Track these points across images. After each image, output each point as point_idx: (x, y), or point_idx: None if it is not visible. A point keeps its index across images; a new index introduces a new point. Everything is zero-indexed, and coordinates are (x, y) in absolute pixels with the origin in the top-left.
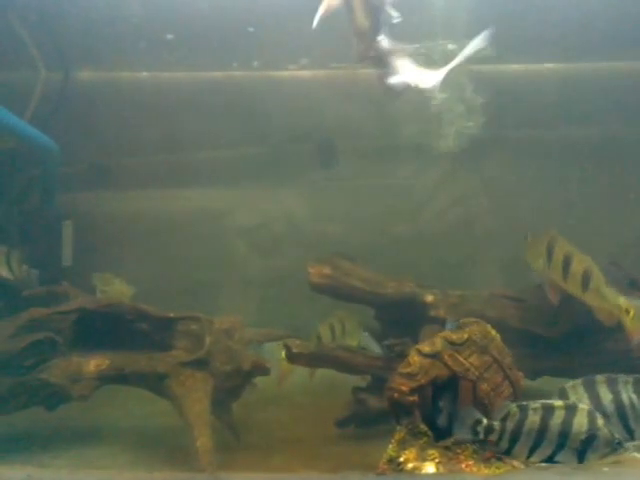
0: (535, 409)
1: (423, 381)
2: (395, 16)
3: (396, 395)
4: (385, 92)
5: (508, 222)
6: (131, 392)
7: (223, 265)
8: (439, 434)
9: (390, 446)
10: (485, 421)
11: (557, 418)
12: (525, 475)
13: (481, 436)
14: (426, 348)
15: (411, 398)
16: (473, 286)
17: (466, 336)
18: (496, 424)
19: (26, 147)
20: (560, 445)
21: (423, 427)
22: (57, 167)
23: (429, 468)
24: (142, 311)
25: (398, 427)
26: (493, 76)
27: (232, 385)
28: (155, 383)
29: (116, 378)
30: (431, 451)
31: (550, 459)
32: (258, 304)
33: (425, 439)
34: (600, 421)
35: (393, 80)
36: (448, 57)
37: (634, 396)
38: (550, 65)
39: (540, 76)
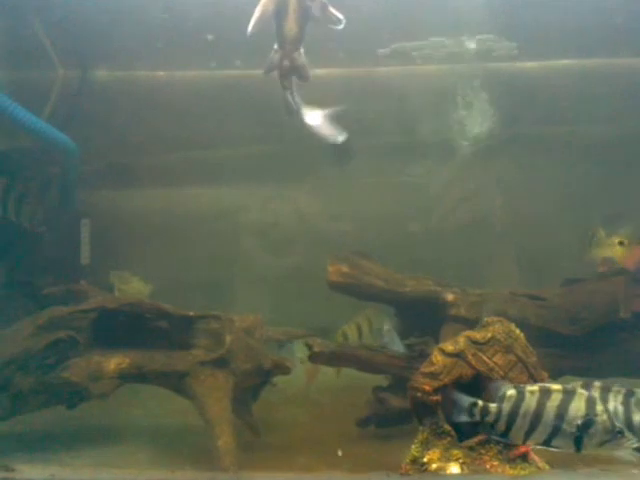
0: (532, 392)
1: (446, 380)
2: (341, 21)
3: (419, 395)
4: (284, 105)
5: (525, 220)
6: (151, 391)
7: (240, 263)
8: (463, 434)
9: (413, 446)
10: (481, 403)
11: (554, 401)
12: (551, 476)
13: (477, 418)
14: (449, 347)
15: (434, 398)
16: (489, 284)
17: (490, 335)
18: (492, 406)
19: (45, 146)
20: (556, 429)
21: (447, 427)
22: (76, 166)
23: (453, 469)
24: (162, 310)
25: (421, 427)
26: (509, 74)
27: (253, 384)
28: (175, 382)
29: (136, 377)
30: (455, 451)
31: (546, 443)
32: (274, 302)
33: (449, 439)
34: (599, 407)
35: (292, 98)
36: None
37: (620, 407)
38: (567, 61)
39: (556, 73)
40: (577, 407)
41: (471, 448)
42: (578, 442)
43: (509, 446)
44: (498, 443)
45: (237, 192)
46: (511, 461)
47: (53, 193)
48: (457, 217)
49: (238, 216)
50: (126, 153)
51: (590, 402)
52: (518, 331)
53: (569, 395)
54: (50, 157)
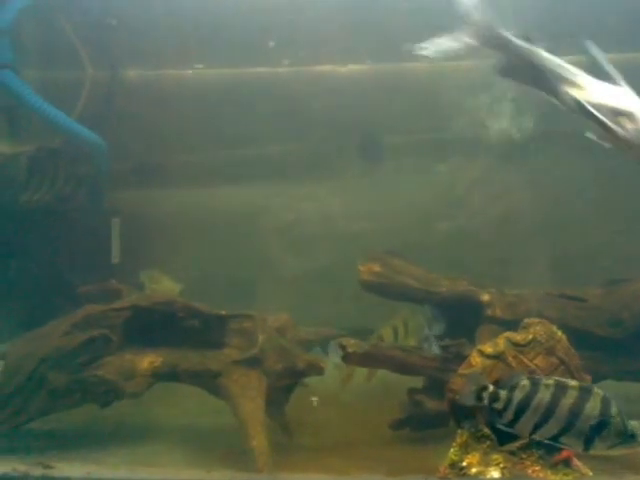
0: (547, 385)
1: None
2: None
3: (457, 397)
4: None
5: (558, 218)
6: (185, 390)
7: (268, 262)
8: (503, 438)
9: (452, 450)
10: (491, 388)
11: (568, 398)
12: None
13: (485, 402)
14: (488, 349)
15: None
16: (523, 285)
17: (531, 337)
18: (502, 393)
19: (76, 145)
20: (567, 427)
21: (486, 431)
22: (106, 165)
23: (494, 473)
24: (194, 309)
25: (460, 430)
26: None
27: (285, 384)
28: (208, 381)
29: (169, 375)
30: (495, 456)
31: (555, 439)
32: (303, 302)
33: (488, 443)
34: (614, 409)
35: None
36: None
37: None
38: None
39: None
40: (592, 407)
41: (512, 452)
42: (588, 442)
43: (551, 451)
44: (539, 448)
45: (266, 191)
46: (553, 466)
47: (83, 192)
48: (488, 215)
49: (267, 215)
50: (156, 152)
51: (605, 403)
52: (560, 333)
53: (585, 393)
54: (81, 156)
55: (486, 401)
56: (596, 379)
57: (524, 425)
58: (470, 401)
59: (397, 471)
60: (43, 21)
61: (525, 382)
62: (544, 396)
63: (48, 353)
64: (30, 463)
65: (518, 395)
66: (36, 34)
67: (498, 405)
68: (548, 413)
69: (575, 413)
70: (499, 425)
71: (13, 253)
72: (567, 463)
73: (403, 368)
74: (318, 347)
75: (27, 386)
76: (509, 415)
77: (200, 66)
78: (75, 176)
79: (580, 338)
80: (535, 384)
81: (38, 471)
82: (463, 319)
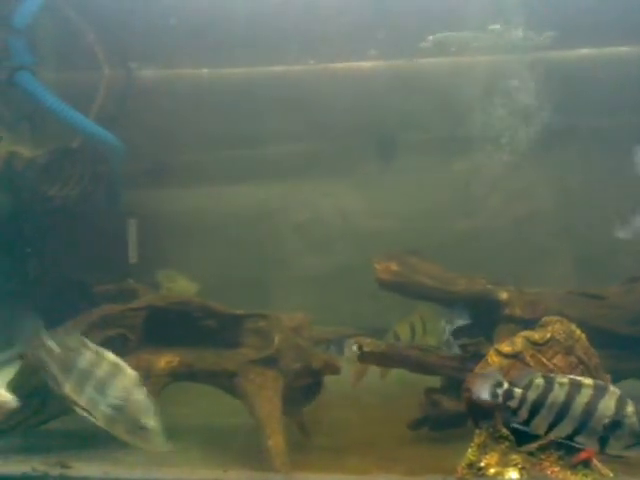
0: (562, 384)
1: None
2: None
3: (474, 397)
4: None
5: (581, 216)
6: (200, 389)
7: (284, 261)
8: (521, 438)
9: (470, 450)
10: (506, 385)
11: (583, 397)
12: None
13: (499, 399)
14: (506, 348)
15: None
16: (543, 284)
17: (549, 335)
18: (517, 391)
19: (93, 146)
20: (581, 426)
21: (504, 431)
22: (123, 165)
23: (512, 474)
24: (210, 308)
25: (477, 430)
26: (561, 62)
27: (302, 384)
28: (225, 381)
29: (186, 375)
30: (514, 456)
31: (569, 438)
32: (319, 301)
33: (507, 444)
34: (630, 408)
35: None
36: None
37: None
38: (625, 48)
39: (614, 61)
40: (606, 406)
41: (530, 453)
42: (603, 442)
43: (571, 452)
44: (559, 449)
45: (282, 190)
46: (573, 467)
47: (101, 193)
48: (507, 214)
49: (283, 214)
50: (171, 152)
51: (621, 402)
52: (579, 331)
53: (600, 392)
54: (98, 157)
55: (500, 399)
56: (617, 378)
57: (539, 424)
58: (485, 397)
59: (415, 471)
60: (59, 21)
61: (539, 380)
62: (559, 394)
63: None
64: (49, 463)
65: (533, 393)
66: (52, 34)
67: (513, 403)
68: (563, 411)
69: (589, 412)
70: (514, 424)
71: (31, 253)
72: (587, 464)
73: (420, 368)
74: (333, 346)
75: (45, 386)
76: (524, 413)
77: (215, 65)
78: (93, 177)
79: (601, 337)
80: (549, 382)
81: (56, 471)
82: (481, 318)
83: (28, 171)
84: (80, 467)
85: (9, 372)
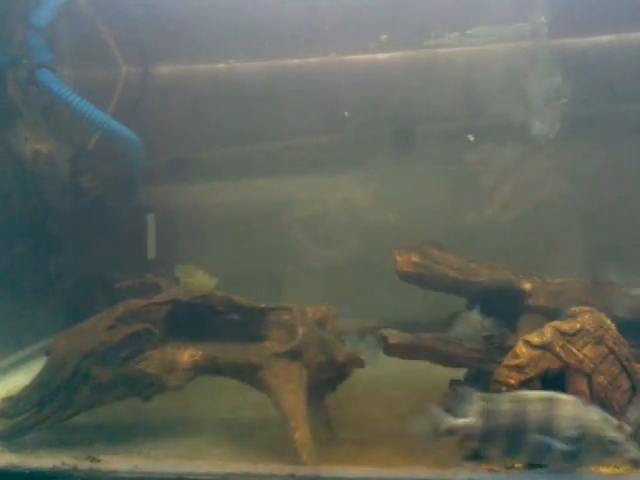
0: (504, 402)
1: (532, 374)
2: None
3: (504, 389)
4: None
5: (600, 205)
6: (224, 383)
7: (302, 254)
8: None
9: None
10: (448, 422)
11: (532, 413)
12: None
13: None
14: (535, 339)
15: None
16: (564, 274)
17: (579, 326)
18: (459, 423)
19: (112, 143)
20: (541, 446)
21: None
22: (141, 161)
23: None
24: (233, 302)
25: None
26: (580, 49)
27: (326, 377)
28: (249, 374)
29: (210, 369)
30: None
31: (536, 461)
32: (339, 294)
33: None
34: (590, 415)
35: None
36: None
37: None
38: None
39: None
40: (562, 417)
41: None
42: (572, 458)
43: None
44: None
45: (298, 183)
46: None
47: (120, 188)
48: (521, 204)
49: (299, 207)
50: (188, 147)
51: (577, 410)
52: (609, 321)
53: (550, 403)
54: (118, 153)
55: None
56: None
57: (494, 452)
58: (430, 441)
59: (442, 463)
60: (77, 19)
61: (479, 403)
62: (505, 415)
63: (92, 348)
64: (78, 457)
65: (475, 421)
66: (70, 32)
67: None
68: (514, 435)
69: (544, 429)
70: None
71: (53, 249)
72: None
73: (445, 360)
74: (356, 338)
75: (72, 380)
76: (474, 444)
77: (233, 60)
78: (112, 173)
79: (628, 327)
80: (491, 402)
81: (86, 464)
82: (504, 309)
83: (47, 167)
84: (109, 460)
85: (34, 367)
